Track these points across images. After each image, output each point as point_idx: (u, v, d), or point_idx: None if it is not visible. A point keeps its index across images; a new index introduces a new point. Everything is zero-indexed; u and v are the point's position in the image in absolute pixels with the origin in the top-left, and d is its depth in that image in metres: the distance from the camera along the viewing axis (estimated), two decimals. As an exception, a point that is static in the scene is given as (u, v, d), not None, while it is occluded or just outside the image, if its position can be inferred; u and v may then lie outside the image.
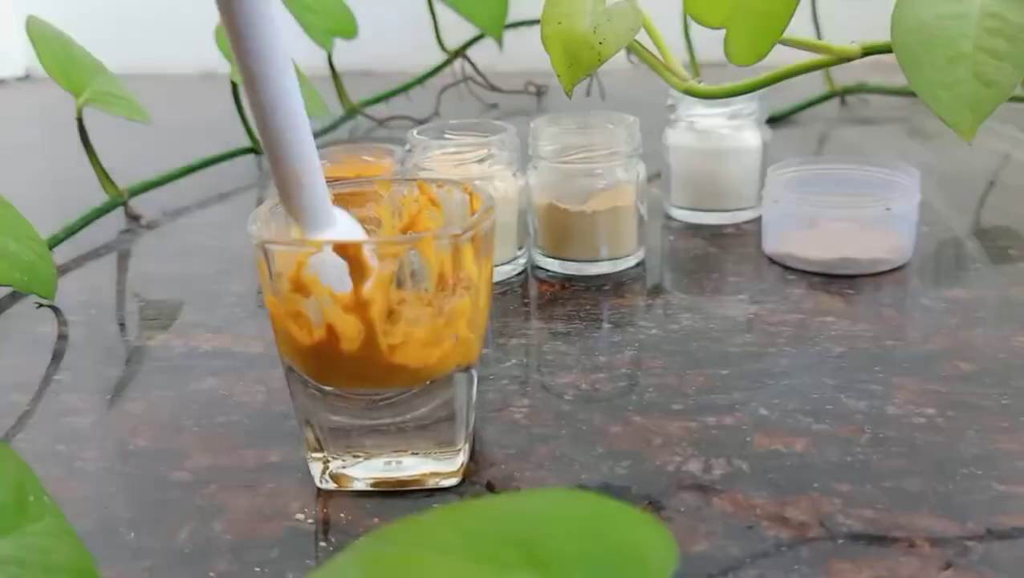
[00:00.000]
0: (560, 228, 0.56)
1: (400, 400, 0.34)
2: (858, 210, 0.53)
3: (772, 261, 0.56)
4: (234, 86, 0.82)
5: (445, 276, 0.32)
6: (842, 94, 0.97)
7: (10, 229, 0.53)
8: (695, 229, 0.63)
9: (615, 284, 0.54)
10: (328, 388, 0.33)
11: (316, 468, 0.36)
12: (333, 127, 0.94)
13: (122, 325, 0.53)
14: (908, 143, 0.86)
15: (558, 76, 0.44)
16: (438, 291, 0.32)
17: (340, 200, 0.37)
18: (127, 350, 0.49)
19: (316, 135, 0.91)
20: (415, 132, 0.56)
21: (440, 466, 0.35)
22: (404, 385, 0.33)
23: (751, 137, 0.63)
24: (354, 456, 0.35)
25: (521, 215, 0.56)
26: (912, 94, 0.97)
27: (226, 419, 0.41)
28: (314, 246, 0.31)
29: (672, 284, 0.55)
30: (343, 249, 0.31)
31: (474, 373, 0.35)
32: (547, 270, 0.56)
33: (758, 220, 0.63)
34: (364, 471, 0.35)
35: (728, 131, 0.63)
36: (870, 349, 0.45)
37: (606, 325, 0.49)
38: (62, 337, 0.51)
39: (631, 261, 0.56)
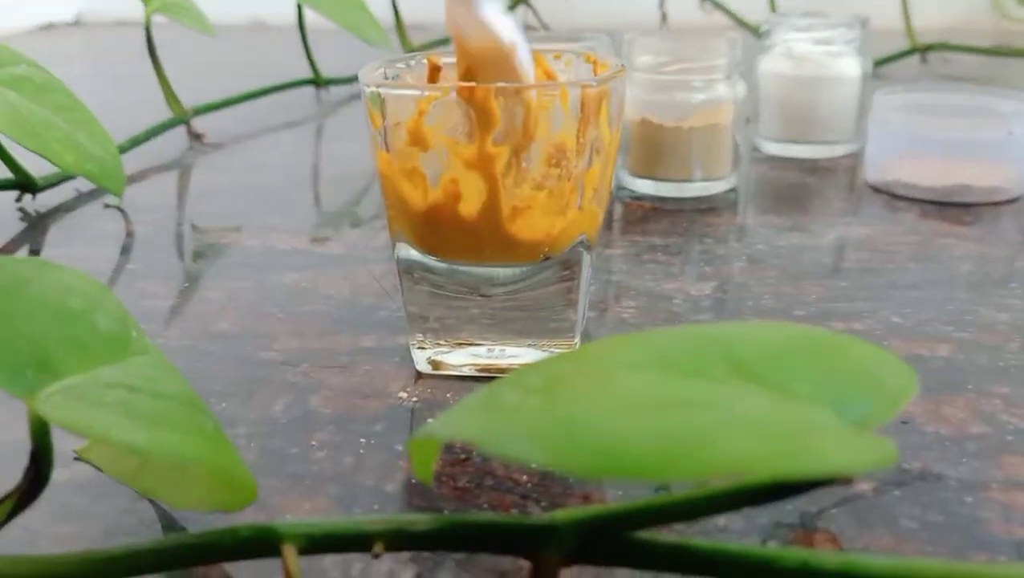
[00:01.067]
0: (652, 145, 0.52)
1: (516, 277, 0.31)
2: (977, 133, 0.50)
3: (876, 189, 0.53)
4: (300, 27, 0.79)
5: (576, 135, 0.29)
6: (923, 50, 0.94)
7: (82, 124, 0.50)
8: (788, 161, 0.60)
9: (710, 207, 0.51)
10: (439, 262, 0.31)
11: (418, 353, 0.33)
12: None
13: (193, 226, 0.51)
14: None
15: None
16: (567, 148, 0.29)
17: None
18: (201, 247, 0.47)
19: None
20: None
21: (546, 354, 0.32)
22: (523, 259, 0.30)
23: (851, 65, 0.60)
24: (459, 344, 0.32)
25: (611, 131, 0.53)
26: (997, 53, 0.94)
27: (312, 308, 0.39)
28: (438, 91, 0.28)
29: (772, 208, 0.51)
30: (470, 94, 0.28)
31: (593, 253, 0.32)
32: (633, 191, 0.53)
33: (855, 155, 0.60)
34: (467, 357, 0.32)
35: (827, 58, 0.60)
36: (1000, 268, 0.41)
37: (708, 240, 0.46)
38: (131, 234, 0.49)
39: (724, 185, 0.53)
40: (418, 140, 0.29)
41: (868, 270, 0.42)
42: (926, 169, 0.51)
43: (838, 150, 0.60)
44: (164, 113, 0.67)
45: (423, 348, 0.33)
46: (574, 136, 0.29)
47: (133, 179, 0.59)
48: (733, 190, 0.53)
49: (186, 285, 0.42)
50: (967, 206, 0.50)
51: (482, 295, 0.31)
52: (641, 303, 0.38)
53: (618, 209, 0.52)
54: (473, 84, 0.28)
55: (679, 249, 0.45)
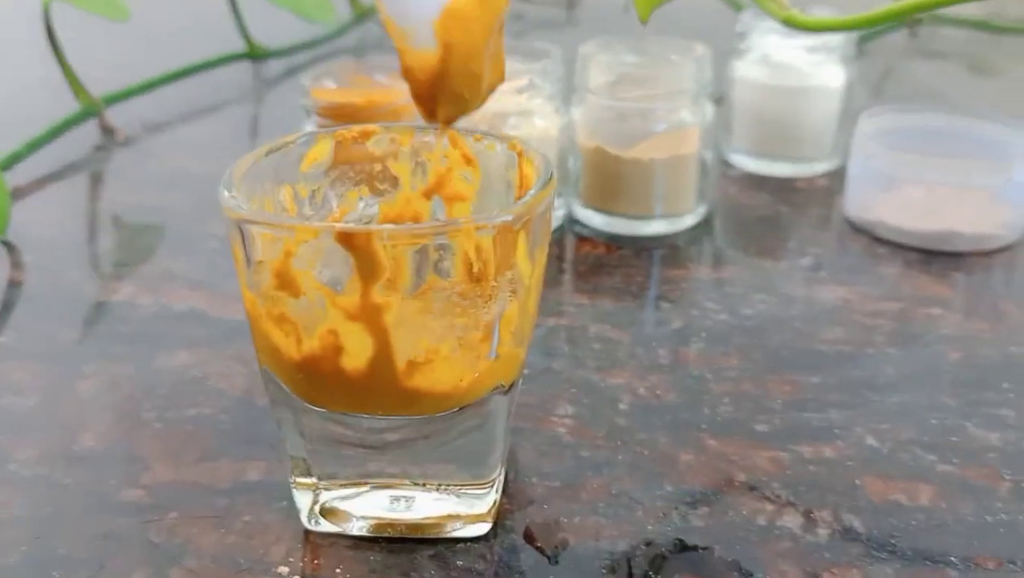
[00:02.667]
0: (609, 177, 0.46)
1: (416, 429, 0.25)
2: (970, 177, 0.44)
3: (855, 228, 0.47)
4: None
5: (485, 274, 0.23)
6: (912, 24, 0.87)
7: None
8: (759, 181, 0.54)
9: (671, 248, 0.46)
10: (321, 409, 0.25)
11: (303, 499, 0.27)
12: (338, 34, 0.84)
13: (87, 268, 0.44)
14: (976, 81, 0.76)
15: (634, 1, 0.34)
16: (474, 294, 0.24)
17: (344, 149, 0.28)
18: (87, 305, 0.41)
19: (318, 42, 0.82)
20: (440, 53, 0.47)
21: (463, 507, 0.27)
22: (424, 413, 0.25)
23: (834, 75, 0.54)
24: (352, 485, 0.27)
25: (561, 158, 0.46)
26: (988, 27, 0.88)
27: (197, 412, 0.33)
28: (307, 233, 0.22)
29: (739, 252, 0.46)
30: (349, 239, 0.22)
31: (516, 392, 0.27)
32: (589, 226, 0.47)
33: (834, 175, 0.54)
34: (364, 507, 0.27)
35: (808, 67, 0.53)
36: (992, 357, 0.36)
37: (664, 304, 0.40)
38: (14, 284, 0.43)
39: (689, 220, 0.48)
40: (286, 285, 0.23)
41: (844, 357, 0.36)
42: (911, 211, 0.45)
43: (817, 168, 0.55)
44: (69, 104, 0.60)
45: (308, 489, 0.27)
46: (476, 279, 0.23)
47: (29, 191, 0.53)
48: (698, 226, 0.48)
49: (58, 369, 0.36)
50: (955, 256, 0.44)
51: (373, 447, 0.26)
52: (581, 410, 0.33)
53: (568, 247, 0.46)
54: (349, 227, 0.22)
55: (631, 320, 0.39)
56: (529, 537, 0.27)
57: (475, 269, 0.23)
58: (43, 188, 0.54)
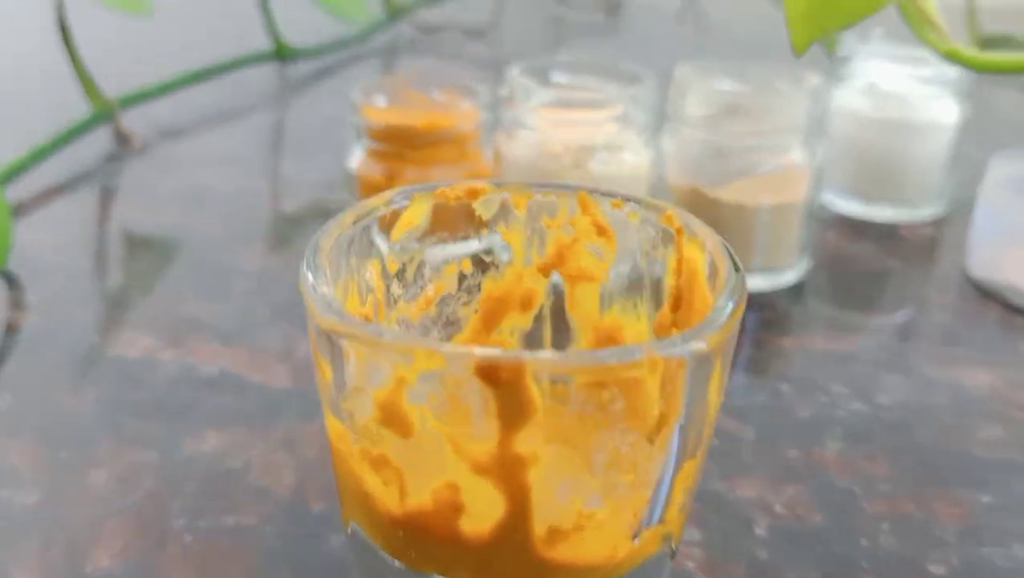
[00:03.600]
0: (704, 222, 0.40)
1: None
2: None
3: (981, 289, 0.41)
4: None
5: (668, 418, 0.17)
6: (982, 45, 0.81)
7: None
8: (858, 227, 0.48)
9: (772, 311, 0.39)
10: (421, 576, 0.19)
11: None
12: (369, 33, 0.77)
13: (97, 308, 0.38)
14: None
15: (789, 27, 0.28)
16: (649, 444, 0.17)
17: (445, 211, 0.22)
18: (98, 363, 0.34)
19: (348, 42, 0.75)
20: (517, 72, 0.40)
21: None
22: (565, 586, 0.19)
23: (947, 109, 0.47)
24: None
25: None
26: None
27: (236, 521, 0.27)
28: (433, 359, 0.16)
29: (853, 316, 0.40)
30: (492, 372, 0.16)
31: (678, 551, 0.21)
32: (678, 278, 0.41)
33: (940, 223, 0.48)
34: None
35: (919, 100, 0.47)
36: None
37: (783, 386, 0.34)
38: (12, 329, 0.36)
39: (791, 276, 0.41)
40: (393, 420, 0.17)
41: (1009, 467, 0.30)
42: (1056, 276, 0.39)
43: (921, 213, 0.48)
44: (80, 106, 0.53)
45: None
46: (655, 424, 0.17)
47: (33, 207, 0.46)
48: (799, 284, 0.42)
49: (64, 453, 0.30)
50: (1108, 331, 0.38)
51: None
52: (711, 535, 0.27)
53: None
54: (493, 356, 0.16)
55: (747, 406, 0.33)
56: None
57: (656, 412, 0.17)
58: (48, 203, 0.48)
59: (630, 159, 0.39)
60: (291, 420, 0.31)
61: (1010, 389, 0.34)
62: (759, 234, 0.40)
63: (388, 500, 0.18)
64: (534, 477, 0.17)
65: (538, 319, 0.24)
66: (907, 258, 0.45)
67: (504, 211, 0.23)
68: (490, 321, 0.24)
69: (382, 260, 0.22)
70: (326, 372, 0.17)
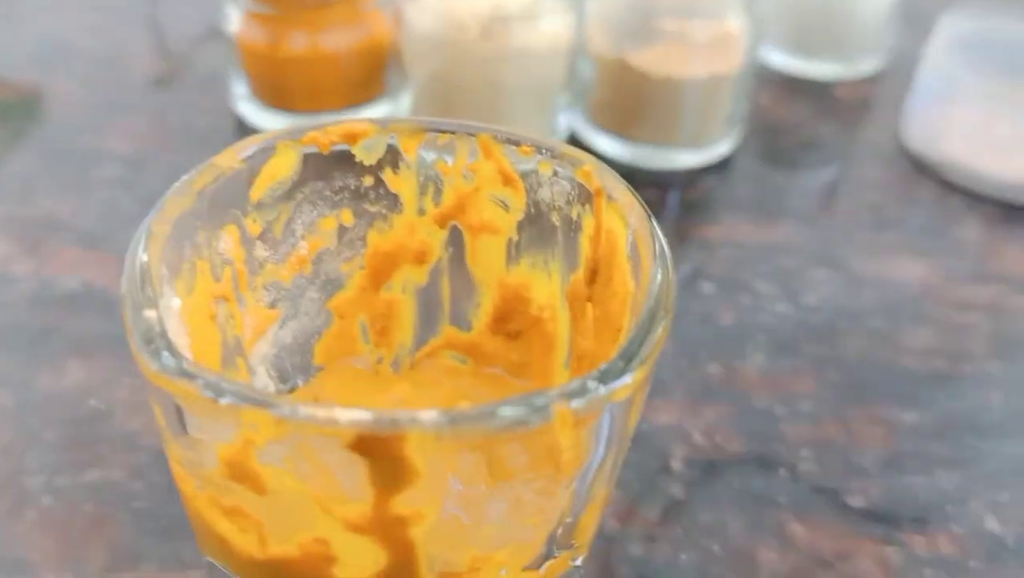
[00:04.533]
0: (629, 95, 0.36)
1: None
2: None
3: (917, 164, 0.39)
4: None
5: (580, 458, 0.14)
6: None
7: None
8: (794, 86, 0.44)
9: (698, 192, 0.37)
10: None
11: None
12: None
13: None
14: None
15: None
16: (558, 486, 0.15)
17: (317, 160, 0.18)
18: (-61, 272, 0.30)
19: None
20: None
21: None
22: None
23: (895, -46, 0.43)
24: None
25: (570, 65, 0.36)
26: None
27: (101, 476, 0.24)
28: (281, 427, 0.13)
29: (783, 199, 0.37)
30: (368, 446, 0.13)
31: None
32: (597, 153, 0.38)
33: (877, 81, 0.45)
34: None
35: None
36: (1113, 377, 0.29)
37: (706, 285, 0.32)
38: None
39: (720, 149, 0.38)
40: (244, 478, 0.14)
41: (937, 379, 0.29)
42: (992, 151, 0.37)
43: (861, 68, 0.45)
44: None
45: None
46: (566, 469, 0.14)
47: None
48: (729, 158, 0.39)
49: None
50: (1041, 212, 0.37)
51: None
52: (624, 475, 0.25)
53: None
54: (367, 428, 0.12)
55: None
56: None
57: (568, 457, 0.14)
58: None
59: (548, 28, 0.34)
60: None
61: (943, 284, 0.33)
62: (688, 110, 0.36)
63: (247, 546, 0.15)
64: (419, 533, 0.14)
65: (434, 272, 0.20)
66: (843, 122, 0.42)
67: (391, 156, 0.19)
68: (378, 277, 0.20)
69: (240, 224, 0.18)
70: (159, 414, 0.14)
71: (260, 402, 0.12)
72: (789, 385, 0.28)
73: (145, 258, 0.15)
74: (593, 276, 0.18)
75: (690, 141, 0.37)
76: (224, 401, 0.12)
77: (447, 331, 0.21)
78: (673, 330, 0.28)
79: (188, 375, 0.13)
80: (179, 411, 0.13)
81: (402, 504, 0.13)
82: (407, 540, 0.14)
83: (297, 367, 0.20)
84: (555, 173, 0.18)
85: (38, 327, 0.28)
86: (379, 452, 0.12)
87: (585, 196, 0.18)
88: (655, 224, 0.17)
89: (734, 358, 0.29)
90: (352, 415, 0.12)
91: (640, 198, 0.17)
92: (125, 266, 0.15)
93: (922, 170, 0.39)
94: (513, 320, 0.20)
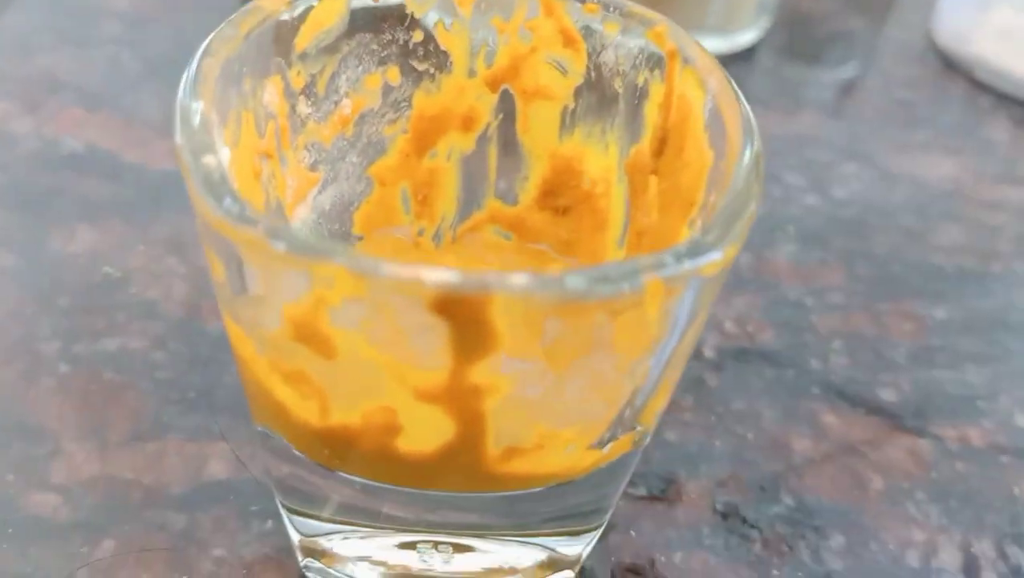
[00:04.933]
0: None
1: (499, 506, 0.17)
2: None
3: (949, 63, 0.38)
4: None
5: (659, 336, 0.14)
6: None
7: None
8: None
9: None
10: (354, 478, 0.16)
11: (294, 534, 0.19)
12: None
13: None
14: None
15: None
16: (634, 364, 0.14)
17: (362, 17, 0.17)
18: (-67, 130, 0.29)
19: None
20: None
21: (539, 555, 0.19)
22: (518, 489, 0.16)
23: None
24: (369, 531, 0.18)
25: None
26: None
27: (119, 344, 0.23)
28: (359, 284, 0.12)
29: (814, 90, 0.36)
30: (451, 306, 0.12)
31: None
32: (622, 33, 0.36)
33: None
34: (371, 550, 0.19)
35: None
36: None
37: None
38: None
39: (748, 36, 0.37)
40: (312, 340, 0.13)
41: (967, 277, 0.29)
42: (1022, 48, 0.36)
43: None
44: None
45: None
46: (647, 345, 0.14)
47: None
48: (757, 46, 0.37)
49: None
50: (1072, 114, 0.36)
51: (423, 515, 0.17)
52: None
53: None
54: (450, 286, 0.12)
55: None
56: (622, 589, 0.20)
57: (651, 334, 0.13)
58: None
59: None
60: (178, 214, 0.27)
61: (973, 183, 0.32)
62: (718, -12, 0.35)
63: (306, 414, 0.14)
64: (491, 405, 0.13)
65: (482, 140, 0.19)
66: (871, 17, 0.40)
67: (444, 7, 0.18)
68: (423, 142, 0.19)
69: (284, 76, 0.17)
70: (218, 269, 0.13)
71: (338, 255, 0.11)
72: (819, 277, 0.28)
73: (200, 103, 0.13)
74: (661, 146, 0.17)
75: (717, 26, 0.36)
76: (297, 253, 0.11)
77: (491, 204, 0.20)
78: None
79: (255, 223, 0.12)
80: (241, 265, 0.13)
81: (479, 373, 0.13)
82: (479, 412, 0.13)
83: (336, 235, 0.19)
84: (623, 32, 0.17)
85: (43, 188, 0.27)
86: (463, 314, 0.12)
87: (655, 61, 0.17)
88: (738, 90, 0.15)
89: (764, 248, 0.28)
90: (438, 275, 0.11)
91: (718, 61, 0.16)
92: (177, 110, 0.13)
93: (952, 68, 0.38)
94: (562, 195, 0.19)
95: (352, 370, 0.13)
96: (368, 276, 0.12)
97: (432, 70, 0.18)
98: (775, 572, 0.21)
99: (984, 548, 0.22)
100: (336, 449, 0.15)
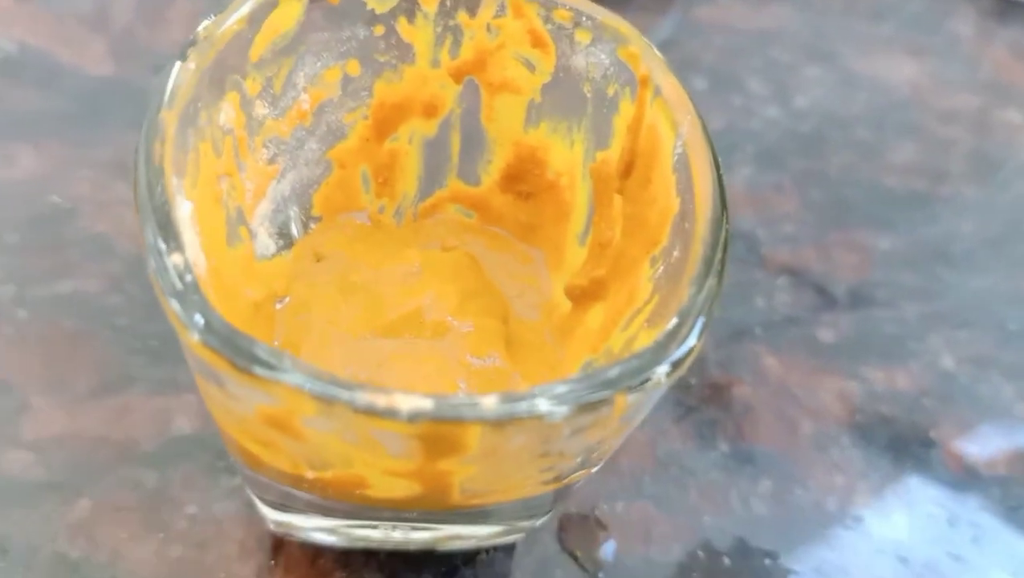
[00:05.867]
0: None
1: (457, 515, 0.18)
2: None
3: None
4: None
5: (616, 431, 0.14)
6: None
7: None
8: None
9: (698, -41, 0.34)
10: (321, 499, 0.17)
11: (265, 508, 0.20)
12: None
13: None
14: None
15: None
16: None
17: (322, 11, 0.16)
18: None
19: None
20: None
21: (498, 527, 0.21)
22: (479, 506, 0.17)
23: None
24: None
25: None
26: None
27: (75, 287, 0.23)
28: (337, 411, 0.12)
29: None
30: (425, 428, 0.12)
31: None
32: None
33: None
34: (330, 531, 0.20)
35: None
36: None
37: (696, 79, 0.30)
38: None
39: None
40: (284, 429, 0.13)
41: (915, 201, 0.29)
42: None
43: None
44: None
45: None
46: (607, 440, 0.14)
47: None
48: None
49: None
50: (1041, 7, 0.35)
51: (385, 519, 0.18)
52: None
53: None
54: (430, 415, 0.12)
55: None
56: (564, 542, 0.22)
57: (612, 428, 0.14)
58: None
59: None
60: (122, 129, 0.26)
61: (932, 88, 0.32)
62: None
63: (279, 464, 0.15)
64: (457, 479, 0.14)
65: (444, 125, 0.19)
66: None
67: (407, 3, 0.17)
68: (383, 128, 0.18)
69: (240, 89, 0.16)
70: (188, 357, 0.13)
71: (312, 381, 0.12)
72: (773, 204, 0.28)
73: (161, 191, 0.13)
74: (628, 169, 0.17)
75: None
76: (271, 378, 0.12)
77: (453, 184, 0.20)
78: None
79: (235, 349, 0.12)
80: (216, 372, 0.13)
81: (447, 464, 0.13)
82: (445, 482, 0.14)
83: (295, 218, 0.19)
84: (594, 42, 0.17)
85: (-25, 101, 0.26)
86: (436, 434, 0.12)
87: (626, 77, 0.16)
88: (708, 134, 0.15)
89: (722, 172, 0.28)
90: (412, 403, 0.12)
91: (692, 98, 0.16)
92: (138, 202, 0.13)
93: (929, -54, 0.36)
94: (526, 181, 0.19)
95: (324, 451, 0.14)
96: (342, 405, 0.12)
97: (394, 61, 0.18)
98: (706, 518, 0.22)
99: (899, 490, 0.24)
100: (308, 486, 0.16)
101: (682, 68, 0.30)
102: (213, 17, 0.15)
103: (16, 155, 0.25)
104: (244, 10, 0.15)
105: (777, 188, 0.29)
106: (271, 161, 0.18)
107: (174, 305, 0.12)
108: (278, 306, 0.17)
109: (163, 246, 0.12)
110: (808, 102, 0.31)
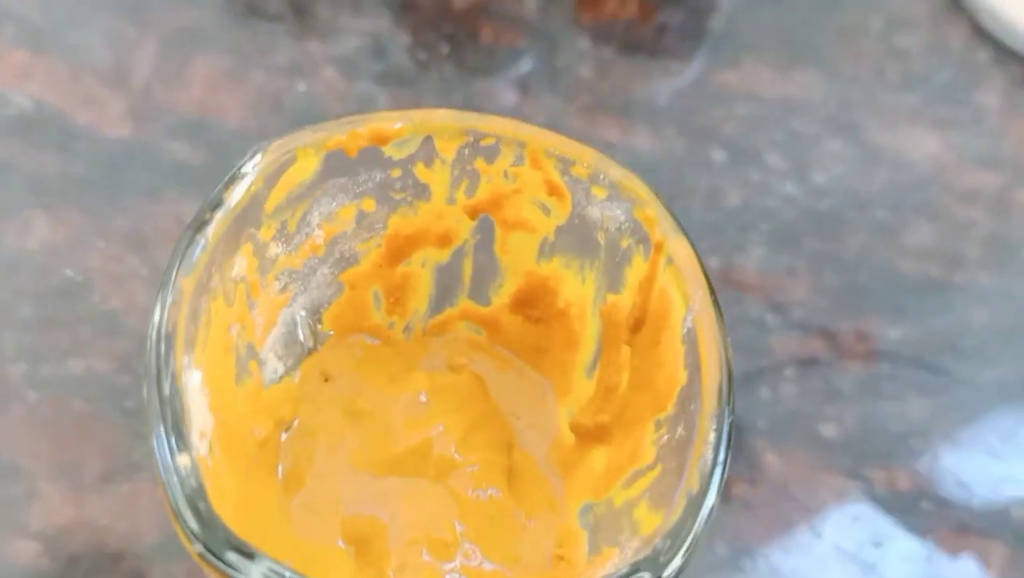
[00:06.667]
0: None
1: None
2: None
3: (950, 3, 0.36)
4: None
5: None
6: None
7: None
8: None
9: (722, 20, 0.33)
10: None
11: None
12: None
13: None
14: None
15: None
16: None
17: (341, 162, 0.16)
18: None
19: None
20: None
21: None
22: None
23: None
24: None
25: None
26: None
27: (85, 366, 0.23)
28: None
29: (807, 33, 0.34)
30: None
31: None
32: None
33: None
34: None
35: None
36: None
37: (715, 151, 0.30)
38: None
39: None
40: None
41: (929, 289, 0.29)
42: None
43: None
44: None
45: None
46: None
47: None
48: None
49: None
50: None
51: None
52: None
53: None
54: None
55: (678, 189, 0.29)
56: None
57: None
58: None
59: None
60: (136, 198, 0.26)
61: (955, 166, 0.32)
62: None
63: None
64: None
65: (457, 253, 0.19)
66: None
67: (425, 151, 0.17)
68: (396, 256, 0.18)
69: (254, 240, 0.16)
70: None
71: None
72: (784, 288, 0.28)
73: (170, 393, 0.13)
74: (638, 325, 0.17)
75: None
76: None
77: (464, 303, 0.20)
78: (677, 211, 0.26)
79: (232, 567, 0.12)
80: None
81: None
82: None
83: (304, 335, 0.19)
84: (610, 199, 0.16)
85: (-9, 163, 0.26)
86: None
87: (640, 235, 0.16)
88: (721, 313, 0.15)
89: (735, 251, 0.28)
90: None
91: (705, 268, 0.16)
92: (148, 404, 0.13)
93: (959, 9, 0.35)
94: (536, 306, 0.19)
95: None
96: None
97: (410, 198, 0.18)
98: (703, 623, 0.23)
99: (892, 596, 0.24)
100: None
101: (702, 139, 0.30)
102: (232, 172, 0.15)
103: (31, 222, 0.25)
104: (260, 166, 0.15)
105: (790, 271, 0.28)
106: (282, 290, 0.18)
107: (184, 518, 0.12)
108: (284, 437, 0.18)
109: (173, 446, 0.13)
110: (827, 179, 0.30)
